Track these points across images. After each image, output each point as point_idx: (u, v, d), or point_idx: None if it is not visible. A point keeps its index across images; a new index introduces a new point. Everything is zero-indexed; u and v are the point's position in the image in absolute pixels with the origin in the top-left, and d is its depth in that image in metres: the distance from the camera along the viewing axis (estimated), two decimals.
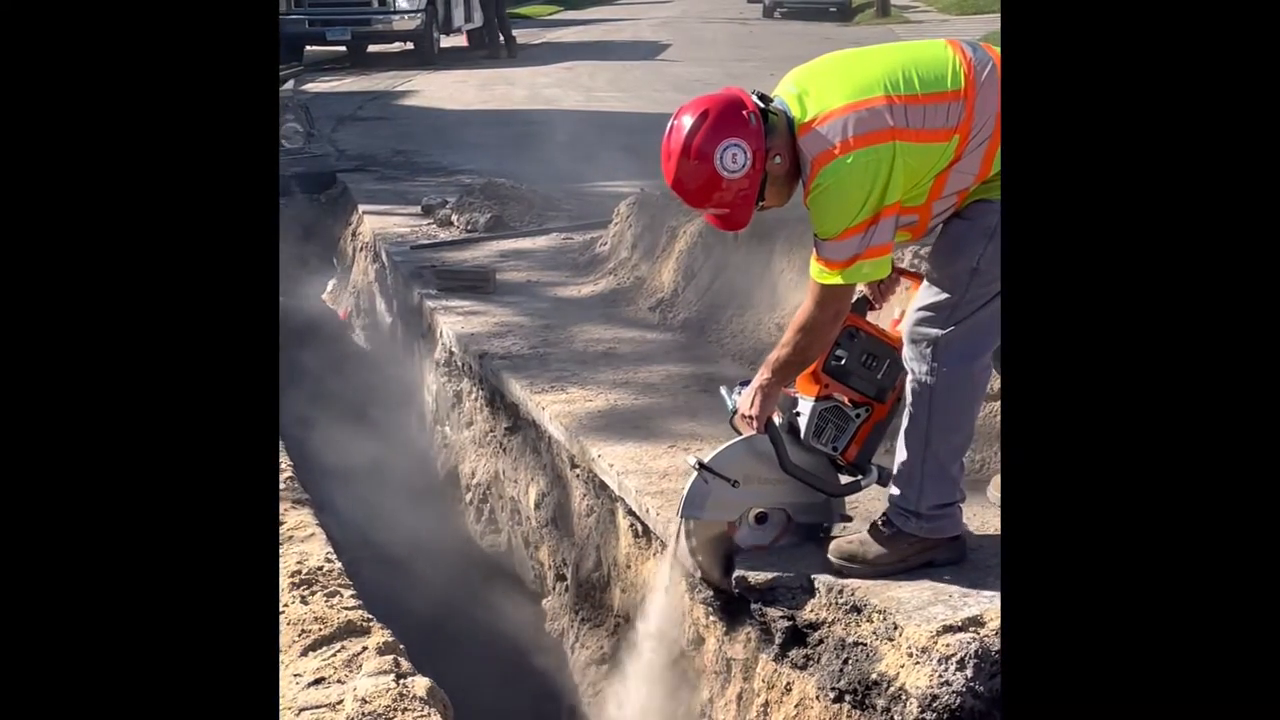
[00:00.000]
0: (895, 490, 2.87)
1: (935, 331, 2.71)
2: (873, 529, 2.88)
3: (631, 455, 3.80)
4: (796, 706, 2.89)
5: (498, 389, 4.92)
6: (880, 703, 2.63)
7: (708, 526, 3.02)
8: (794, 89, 2.72)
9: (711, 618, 3.24)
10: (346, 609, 3.40)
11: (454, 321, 5.52)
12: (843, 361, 2.93)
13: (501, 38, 19.50)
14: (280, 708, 2.87)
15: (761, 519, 3.03)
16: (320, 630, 3.28)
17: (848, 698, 2.71)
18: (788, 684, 2.93)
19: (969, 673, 2.51)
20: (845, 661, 2.74)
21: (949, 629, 2.58)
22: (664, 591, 3.33)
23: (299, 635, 3.25)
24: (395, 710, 2.87)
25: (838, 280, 2.67)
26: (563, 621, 4.43)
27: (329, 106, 13.20)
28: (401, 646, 3.22)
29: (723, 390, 3.11)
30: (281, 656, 3.15)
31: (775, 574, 2.94)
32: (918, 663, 2.57)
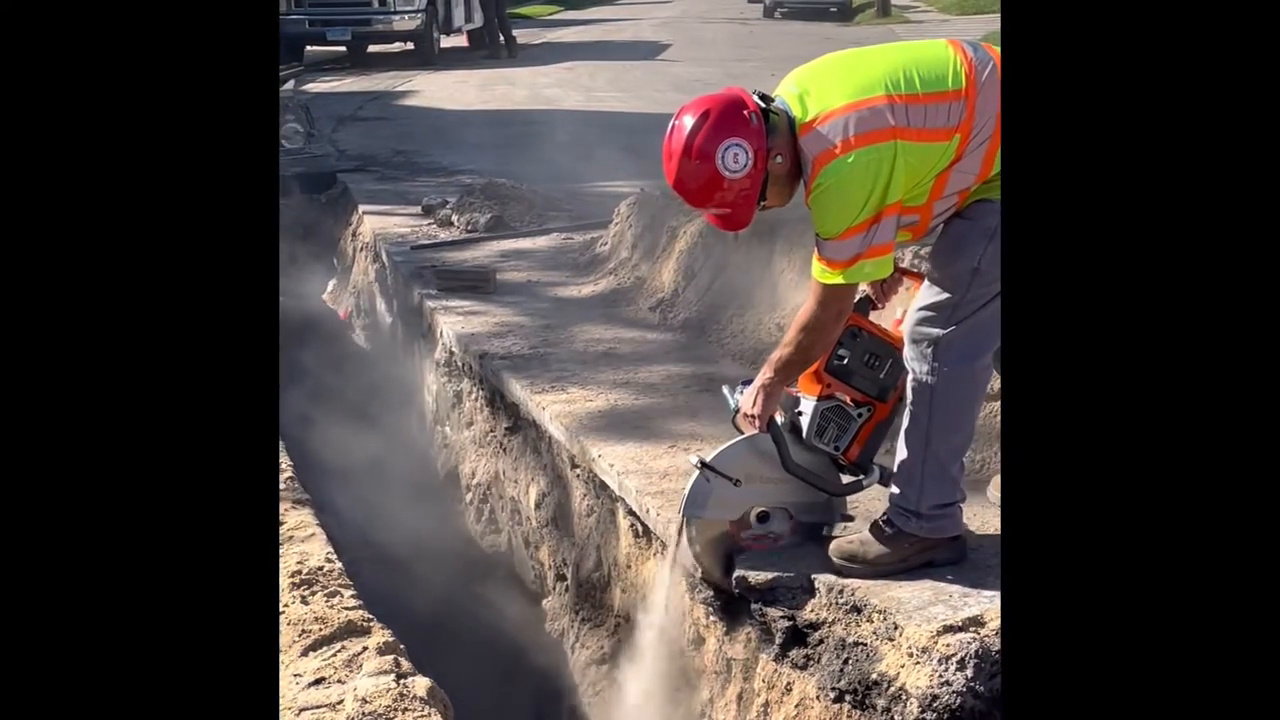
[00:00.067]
0: (895, 490, 2.87)
1: (936, 331, 2.71)
2: (873, 529, 2.88)
3: (632, 455, 3.80)
4: (797, 707, 2.89)
5: (498, 389, 4.92)
6: (880, 703, 2.63)
7: (709, 526, 3.02)
8: (795, 89, 2.72)
9: (712, 618, 3.24)
10: (347, 609, 3.40)
11: (454, 321, 5.52)
12: (845, 361, 2.94)
13: (502, 38, 19.51)
14: (280, 708, 2.87)
15: (763, 518, 3.03)
16: (320, 630, 3.28)
17: (848, 698, 2.71)
18: (788, 684, 2.93)
19: (969, 673, 2.51)
20: (845, 661, 2.74)
21: (949, 629, 2.58)
22: (665, 591, 3.33)
23: (299, 635, 3.25)
24: (396, 710, 2.87)
25: (840, 280, 2.67)
26: (563, 621, 4.43)
27: (329, 106, 13.21)
28: (402, 646, 3.22)
29: (725, 389, 3.12)
30: (282, 656, 3.15)
31: (775, 574, 2.94)
32: (918, 663, 2.57)
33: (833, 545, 2.91)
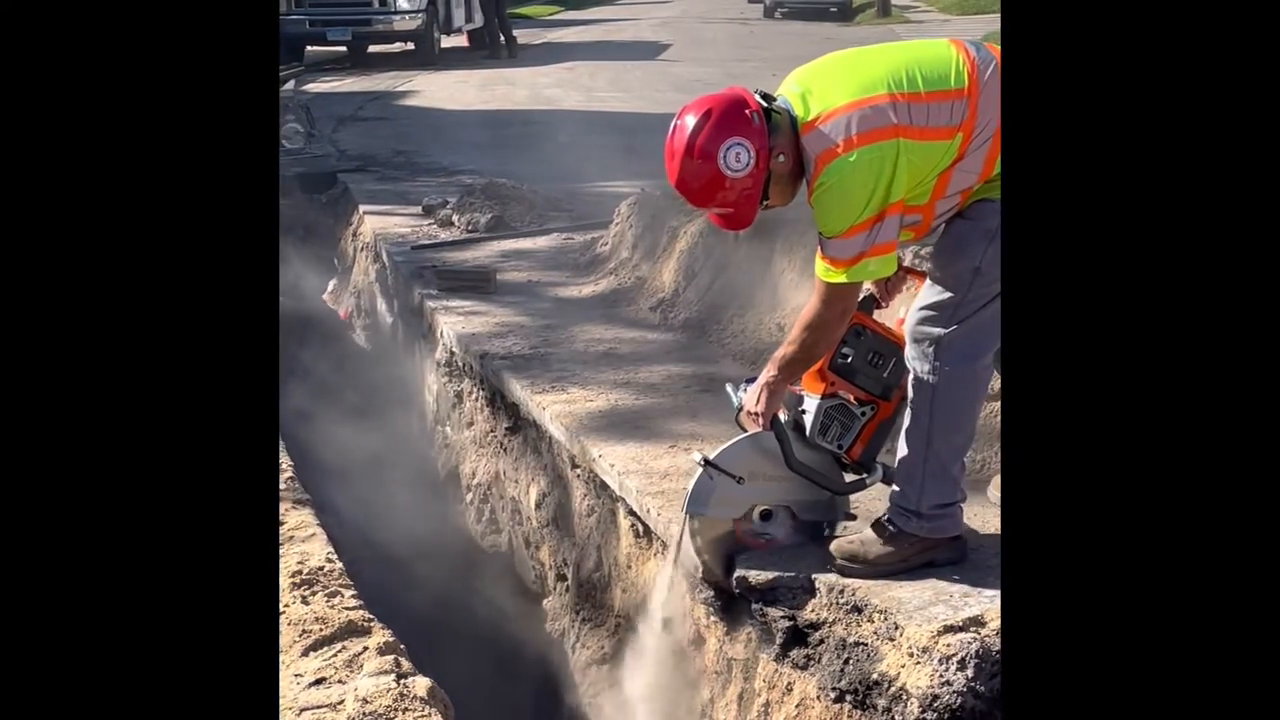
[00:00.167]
0: (896, 489, 2.87)
1: (937, 331, 2.71)
2: (874, 528, 2.88)
3: (632, 455, 3.80)
4: (797, 707, 2.89)
5: (498, 389, 4.92)
6: (881, 703, 2.63)
7: (712, 524, 3.02)
8: (797, 88, 2.72)
9: (712, 617, 3.24)
10: (347, 609, 3.40)
11: (455, 321, 5.52)
12: (849, 359, 2.94)
13: (502, 38, 19.50)
14: (281, 708, 2.87)
15: (766, 516, 3.03)
16: (321, 630, 3.28)
17: (848, 698, 2.71)
18: (788, 684, 2.93)
19: (970, 673, 2.50)
20: (846, 661, 2.74)
21: (950, 629, 2.58)
22: (666, 590, 3.32)
23: (300, 635, 3.26)
24: (396, 710, 2.87)
25: (843, 278, 2.67)
26: (563, 621, 4.43)
27: (330, 107, 13.20)
28: (402, 646, 3.23)
29: (728, 387, 3.12)
30: (282, 657, 3.15)
31: (776, 574, 2.94)
32: (919, 663, 2.57)
33: (833, 545, 2.91)
